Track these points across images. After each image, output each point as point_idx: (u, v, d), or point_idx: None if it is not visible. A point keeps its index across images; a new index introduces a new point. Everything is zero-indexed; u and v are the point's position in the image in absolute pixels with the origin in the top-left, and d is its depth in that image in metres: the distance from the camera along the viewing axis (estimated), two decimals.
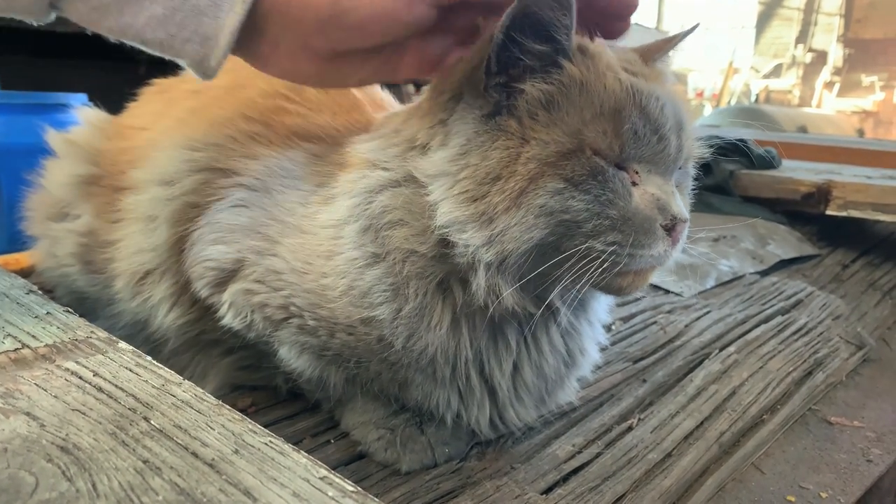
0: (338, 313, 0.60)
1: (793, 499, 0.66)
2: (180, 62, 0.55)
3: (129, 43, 0.54)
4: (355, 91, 0.76)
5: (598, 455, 0.68)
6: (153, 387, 0.49)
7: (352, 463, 0.66)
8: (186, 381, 0.50)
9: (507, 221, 0.54)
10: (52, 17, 0.52)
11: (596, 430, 0.72)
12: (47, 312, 0.61)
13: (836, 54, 13.29)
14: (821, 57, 13.49)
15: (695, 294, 1.22)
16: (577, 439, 0.70)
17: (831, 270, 1.48)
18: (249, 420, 0.46)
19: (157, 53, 0.54)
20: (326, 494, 0.38)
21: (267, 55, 0.58)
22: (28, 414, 0.43)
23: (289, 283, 0.61)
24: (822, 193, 1.63)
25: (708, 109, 10.24)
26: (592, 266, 0.55)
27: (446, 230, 0.56)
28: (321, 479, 0.39)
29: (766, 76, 13.83)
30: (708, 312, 1.09)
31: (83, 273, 0.81)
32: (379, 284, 0.58)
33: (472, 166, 0.55)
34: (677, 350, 0.94)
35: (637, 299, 1.13)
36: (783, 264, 1.48)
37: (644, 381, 0.84)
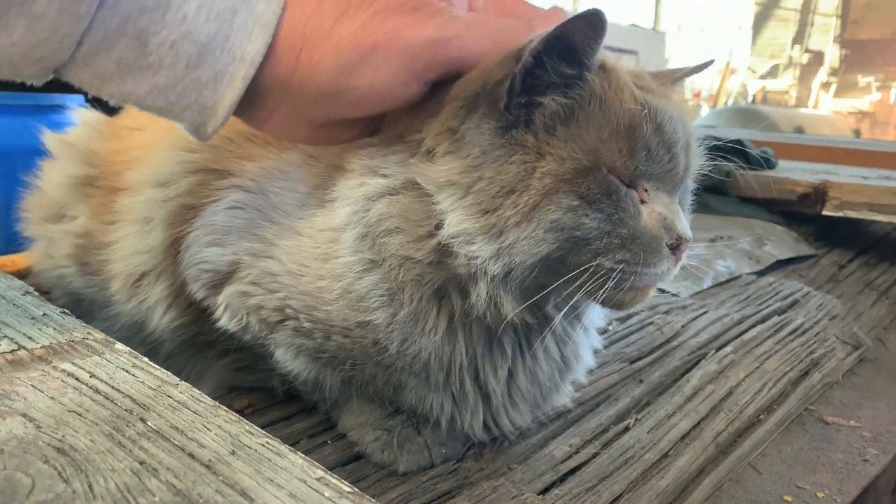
0: (334, 316, 0.60)
1: (789, 498, 0.66)
2: (177, 124, 0.56)
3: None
4: None
5: (594, 455, 0.68)
6: (150, 388, 0.49)
7: (349, 464, 0.66)
8: (183, 382, 0.50)
9: (517, 235, 0.54)
10: (51, 77, 0.53)
11: (593, 431, 0.72)
12: (44, 314, 0.61)
13: (832, 55, 13.32)
14: (817, 58, 13.52)
15: (692, 294, 1.22)
16: (573, 440, 0.70)
17: (828, 270, 1.49)
18: (246, 421, 0.46)
19: (153, 114, 0.55)
20: (323, 495, 0.38)
21: (263, 119, 0.59)
22: (24, 415, 0.43)
23: (285, 286, 0.61)
24: (819, 194, 1.63)
25: (705, 110, 10.25)
26: (599, 283, 0.55)
27: (453, 241, 0.56)
28: (318, 479, 0.39)
29: (763, 77, 13.86)
30: (705, 313, 1.10)
31: (79, 274, 0.81)
32: (375, 289, 0.58)
33: (486, 179, 0.55)
34: (674, 350, 0.94)
35: None
36: (780, 264, 1.48)
37: (641, 381, 0.84)
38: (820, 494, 0.67)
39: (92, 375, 0.50)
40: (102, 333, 0.58)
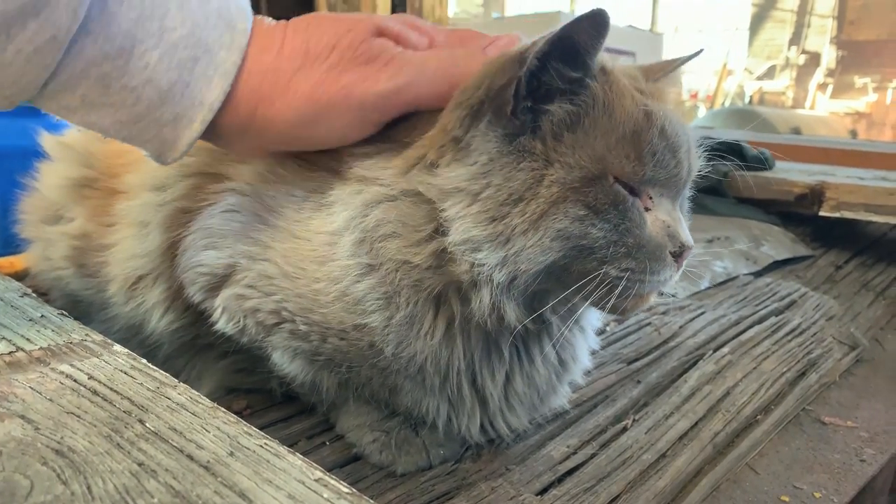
0: (330, 318, 0.60)
1: (787, 499, 0.66)
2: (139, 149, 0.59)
3: None
4: None
5: (592, 456, 0.68)
6: (148, 389, 0.49)
7: (347, 465, 0.66)
8: (181, 383, 0.50)
9: (524, 243, 0.54)
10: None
11: (590, 431, 0.73)
12: (42, 315, 0.61)
13: (829, 56, 13.34)
14: (814, 59, 13.54)
15: (689, 295, 1.22)
16: (571, 440, 0.70)
17: (825, 271, 1.49)
18: (245, 422, 0.46)
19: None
20: (322, 496, 0.38)
21: (226, 146, 0.63)
22: (23, 417, 0.43)
23: (280, 288, 0.61)
24: (816, 194, 1.64)
25: (702, 111, 10.25)
26: (605, 291, 0.56)
27: (459, 248, 0.56)
28: (316, 481, 0.40)
29: (760, 78, 13.88)
30: (702, 313, 1.10)
31: (77, 276, 0.81)
32: (372, 293, 0.58)
33: (493, 186, 0.55)
34: (671, 351, 0.94)
35: None
36: (777, 265, 1.49)
37: (638, 382, 0.85)
38: (817, 494, 0.67)
39: (90, 377, 0.50)
40: (100, 335, 0.59)
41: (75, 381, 0.49)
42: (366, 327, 0.59)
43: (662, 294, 1.18)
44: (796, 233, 1.68)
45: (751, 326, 1.06)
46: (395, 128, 0.61)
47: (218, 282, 0.65)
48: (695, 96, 12.35)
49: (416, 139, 0.59)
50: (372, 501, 0.39)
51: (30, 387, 0.47)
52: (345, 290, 0.58)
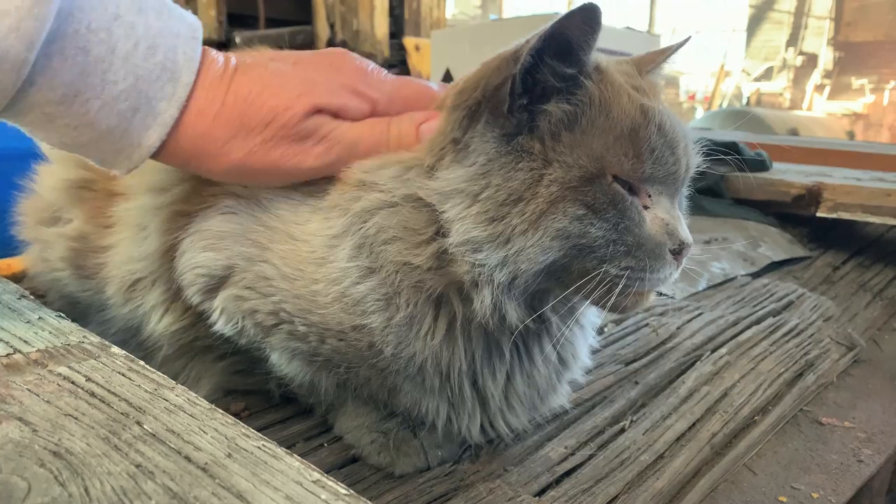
0: (328, 319, 0.60)
1: (784, 499, 0.66)
2: None
3: None
4: None
5: (590, 457, 0.68)
6: (146, 391, 0.49)
7: (345, 466, 0.66)
8: (179, 385, 0.50)
9: (524, 243, 0.54)
10: None
11: (588, 432, 0.73)
12: (39, 317, 0.61)
13: (826, 57, 13.38)
14: (811, 60, 13.58)
15: (687, 296, 1.23)
16: (569, 441, 0.70)
17: (822, 272, 1.49)
18: (242, 424, 0.46)
19: None
20: (319, 498, 0.38)
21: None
22: (20, 419, 0.43)
23: (279, 289, 0.61)
24: (813, 195, 1.64)
25: (700, 112, 10.28)
26: (606, 290, 0.56)
27: (459, 249, 0.56)
28: (314, 482, 0.40)
29: (758, 79, 13.91)
30: (700, 314, 1.10)
31: (74, 278, 0.80)
32: (372, 294, 0.58)
33: (493, 187, 0.55)
34: (669, 352, 0.94)
35: None
36: (774, 266, 1.49)
37: (636, 383, 0.85)
38: (815, 495, 0.67)
39: (88, 379, 0.50)
40: (98, 337, 0.58)
41: (73, 383, 0.49)
42: (365, 328, 0.59)
43: (662, 294, 1.19)
44: (794, 234, 1.68)
45: (748, 327, 1.06)
46: None
47: (216, 283, 0.65)
48: (693, 98, 12.37)
49: (422, 145, 0.60)
50: (370, 503, 0.39)
51: (27, 389, 0.47)
52: (344, 291, 0.58)
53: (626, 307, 0.59)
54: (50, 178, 0.84)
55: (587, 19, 0.52)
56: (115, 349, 0.56)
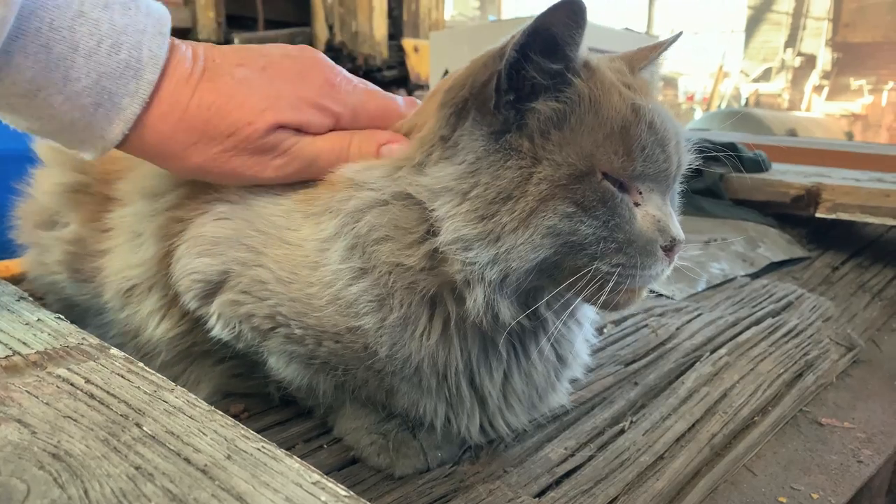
0: (324, 321, 0.60)
1: (784, 500, 0.66)
2: None
3: None
4: None
5: (590, 458, 0.68)
6: (145, 393, 0.49)
7: (344, 468, 0.66)
8: (178, 387, 0.50)
9: (514, 241, 0.54)
10: None
11: (588, 433, 0.73)
12: (38, 319, 0.61)
13: (824, 58, 13.40)
14: (810, 61, 13.59)
15: (686, 297, 1.23)
16: (569, 442, 0.70)
17: (821, 272, 1.49)
18: (242, 426, 0.46)
19: None
20: (319, 499, 0.38)
21: None
22: (19, 421, 0.43)
23: (275, 293, 0.61)
24: (812, 196, 1.64)
25: (698, 113, 10.29)
26: (597, 287, 0.56)
27: (450, 247, 0.56)
28: (314, 483, 0.39)
29: (756, 80, 13.93)
30: (699, 315, 1.10)
31: (72, 281, 0.80)
32: (365, 295, 0.58)
33: (482, 185, 0.55)
34: (669, 353, 0.94)
35: None
36: (773, 267, 1.49)
37: (636, 383, 0.85)
38: (815, 495, 0.67)
39: (87, 381, 0.50)
40: (97, 339, 0.58)
41: (72, 384, 0.49)
42: (359, 329, 0.59)
43: (659, 295, 1.19)
44: (793, 234, 1.68)
45: (748, 328, 1.06)
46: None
47: (212, 288, 0.65)
48: (691, 98, 12.38)
49: (410, 143, 0.60)
50: None
51: (26, 391, 0.47)
52: (337, 293, 0.59)
53: (618, 304, 0.59)
54: (45, 182, 0.84)
55: (571, 13, 0.52)
56: (115, 351, 0.56)
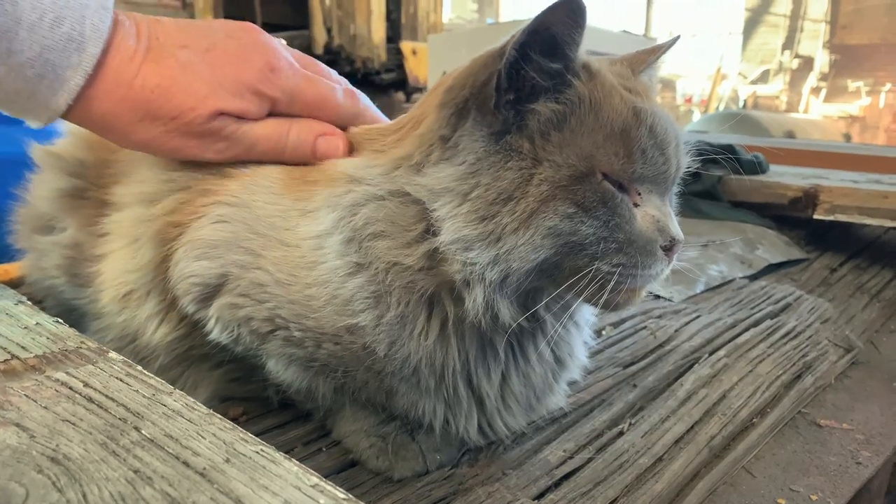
0: (323, 322, 0.60)
1: (783, 502, 0.67)
2: None
3: None
4: None
5: (589, 460, 0.68)
6: (144, 396, 0.49)
7: (343, 471, 0.66)
8: (177, 390, 0.50)
9: (515, 241, 0.55)
10: None
11: (587, 436, 0.73)
12: (37, 323, 0.61)
13: (822, 60, 13.42)
14: (807, 63, 13.62)
15: (684, 299, 1.23)
16: (568, 445, 0.70)
17: (819, 274, 1.49)
18: (241, 429, 0.46)
19: None
20: (318, 502, 0.38)
21: None
22: (18, 425, 0.43)
23: (273, 296, 0.61)
24: (810, 198, 1.64)
25: (696, 115, 10.29)
26: (597, 287, 0.56)
27: (450, 248, 0.56)
28: (313, 486, 0.39)
29: (754, 82, 13.95)
30: (698, 317, 1.10)
31: (70, 286, 0.80)
32: (360, 292, 0.58)
33: (482, 186, 0.55)
34: (667, 355, 0.94)
35: None
36: (772, 268, 1.49)
37: (634, 385, 0.85)
38: (813, 497, 0.67)
39: (86, 384, 0.50)
40: (96, 342, 0.58)
41: (71, 388, 0.49)
42: (356, 327, 0.59)
43: (658, 297, 1.19)
44: (791, 236, 1.68)
45: (746, 330, 1.06)
46: (380, 132, 0.62)
47: (211, 292, 0.65)
48: (689, 100, 12.40)
49: (409, 142, 0.60)
50: None
51: (25, 394, 0.47)
52: (334, 291, 0.59)
53: (619, 304, 0.59)
54: (42, 187, 0.84)
55: (571, 13, 0.52)
56: (113, 354, 0.56)
